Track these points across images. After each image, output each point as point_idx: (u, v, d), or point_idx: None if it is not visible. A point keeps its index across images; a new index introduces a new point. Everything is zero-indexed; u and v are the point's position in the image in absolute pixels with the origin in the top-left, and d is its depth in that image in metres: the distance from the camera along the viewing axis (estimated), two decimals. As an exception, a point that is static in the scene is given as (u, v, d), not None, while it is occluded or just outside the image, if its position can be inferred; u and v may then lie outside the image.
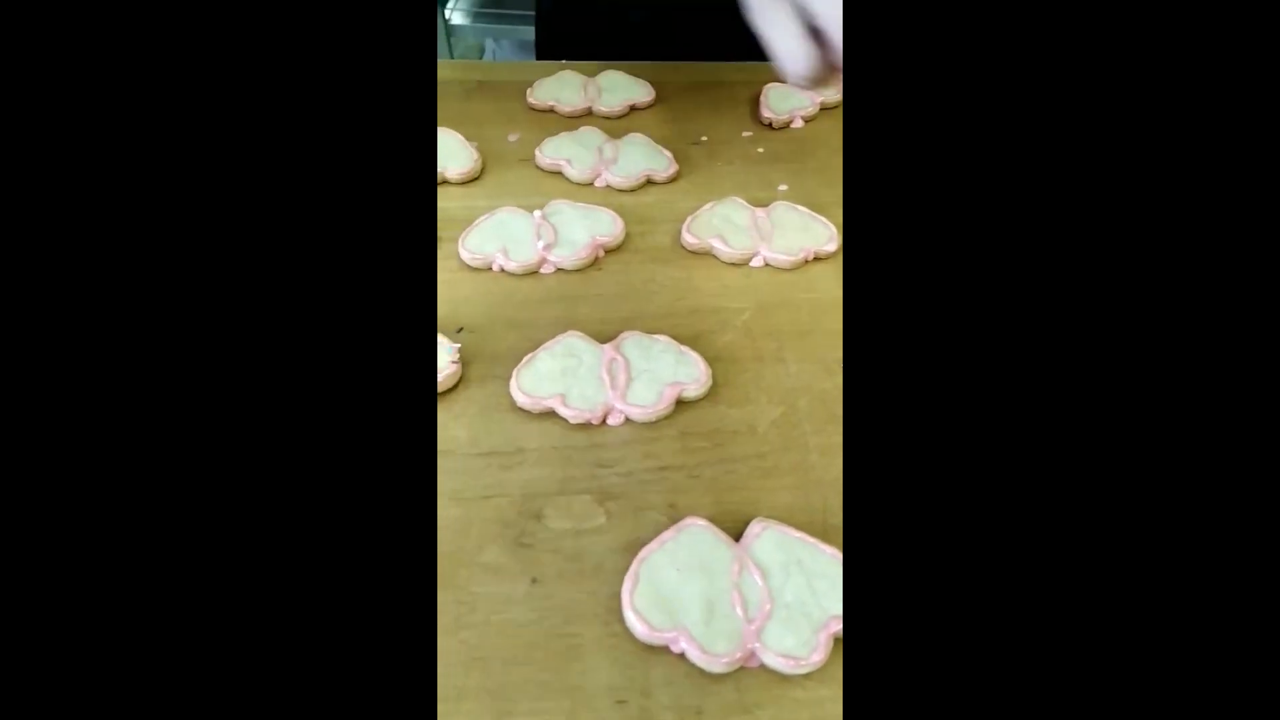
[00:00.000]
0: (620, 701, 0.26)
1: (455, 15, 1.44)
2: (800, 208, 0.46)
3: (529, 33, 1.45)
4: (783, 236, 0.44)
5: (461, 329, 0.39)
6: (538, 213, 0.44)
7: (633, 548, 0.30)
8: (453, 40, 1.47)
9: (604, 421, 0.35)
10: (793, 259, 0.43)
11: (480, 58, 1.59)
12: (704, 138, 0.53)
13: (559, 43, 0.67)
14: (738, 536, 0.30)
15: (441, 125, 0.51)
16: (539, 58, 0.70)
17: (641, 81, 0.57)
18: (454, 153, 0.49)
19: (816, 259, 0.44)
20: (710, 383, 0.36)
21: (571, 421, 0.34)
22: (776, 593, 0.28)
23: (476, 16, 1.47)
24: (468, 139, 0.50)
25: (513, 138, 0.52)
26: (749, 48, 0.60)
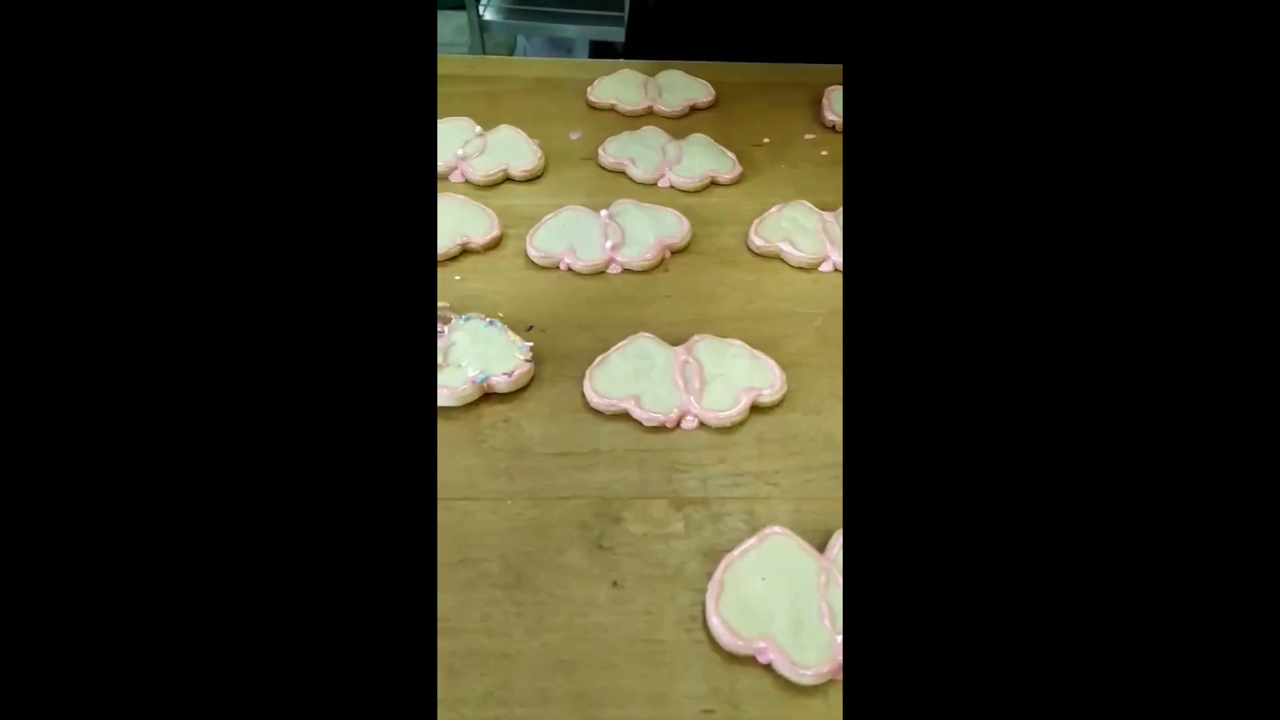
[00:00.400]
0: (707, 711, 0.26)
1: (488, 11, 1.45)
2: (867, 212, 0.45)
3: (559, 30, 1.47)
4: (851, 241, 0.43)
5: (531, 327, 0.39)
6: (604, 212, 0.44)
7: (713, 555, 0.30)
8: (485, 36, 1.48)
9: (678, 425, 0.34)
10: (861, 264, 0.42)
11: (511, 54, 1.60)
12: (766, 139, 0.52)
13: (652, 41, 0.67)
14: (820, 546, 0.30)
15: (504, 122, 0.51)
16: (625, 56, 0.69)
17: (701, 81, 0.56)
18: (518, 150, 0.49)
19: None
20: (785, 389, 0.35)
21: (645, 424, 0.34)
22: (864, 605, 0.27)
23: (509, 13, 1.49)
24: (530, 136, 0.50)
25: (574, 135, 0.52)
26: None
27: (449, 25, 1.99)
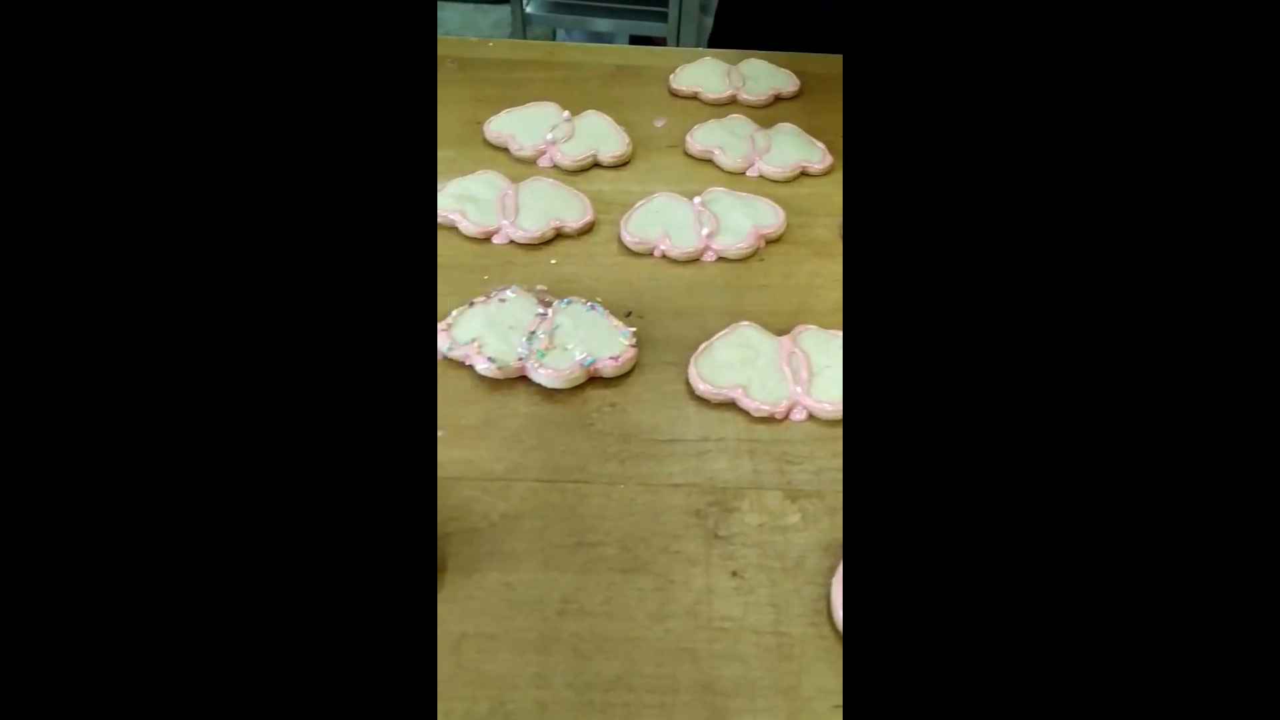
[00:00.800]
0: (837, 706, 0.25)
1: (531, 5, 1.46)
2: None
3: (600, 24, 1.47)
4: (949, 236, 0.42)
5: (630, 313, 0.38)
6: (698, 199, 0.44)
7: (832, 549, 0.29)
8: (527, 29, 1.49)
9: (787, 416, 0.34)
10: (960, 260, 0.41)
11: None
12: (853, 131, 0.51)
13: (740, 30, 0.66)
14: (942, 543, 0.29)
15: (589, 108, 0.50)
16: (711, 45, 0.69)
17: (785, 71, 0.56)
18: (605, 136, 0.48)
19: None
20: (894, 382, 0.35)
21: (754, 414, 0.34)
22: (997, 605, 0.27)
23: (552, 7, 1.50)
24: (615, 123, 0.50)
25: (659, 122, 0.51)
26: None
27: (488, 19, 2.00)
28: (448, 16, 1.89)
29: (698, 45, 1.08)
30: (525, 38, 1.45)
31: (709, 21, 1.51)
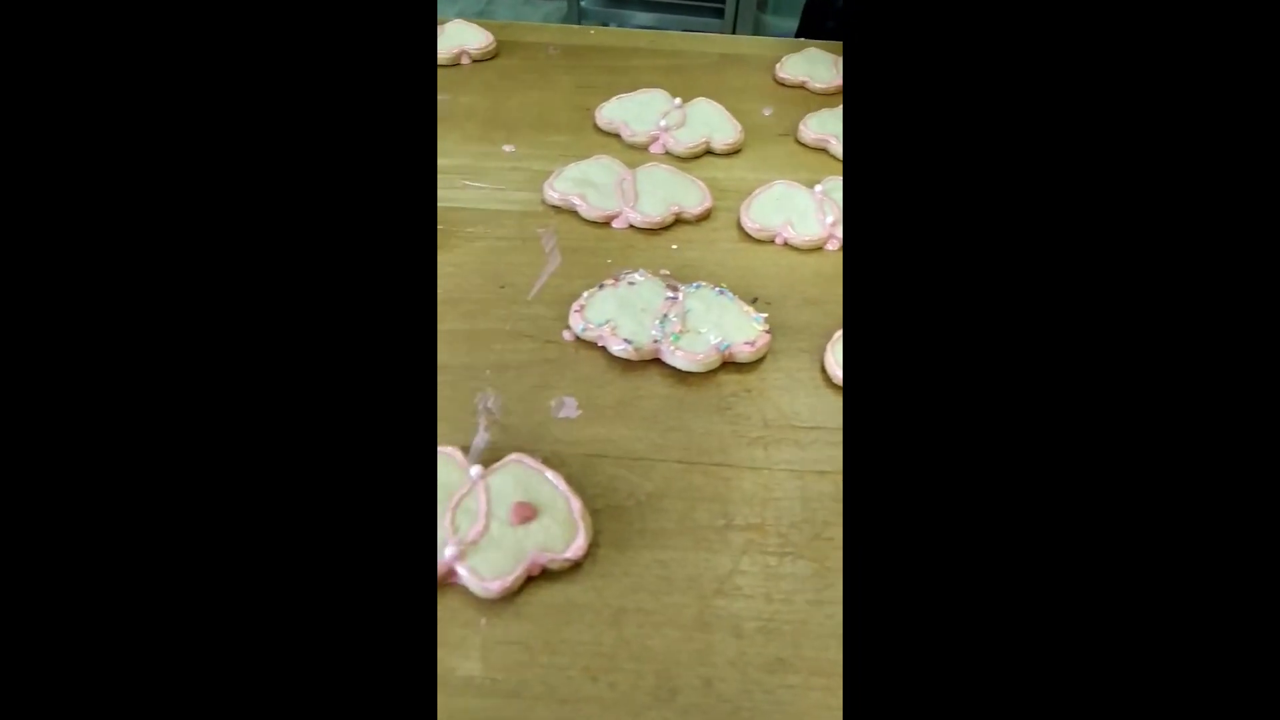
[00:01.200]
0: (1009, 699, 0.25)
1: None
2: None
3: (650, 19, 1.47)
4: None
5: (756, 299, 0.38)
6: (819, 187, 0.43)
7: (988, 539, 0.29)
8: (583, 22, 1.50)
9: (928, 406, 0.33)
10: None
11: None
12: (967, 123, 0.50)
13: (824, 22, 0.66)
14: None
15: (700, 95, 0.50)
16: (799, 34, 0.68)
17: (892, 62, 0.55)
18: (718, 124, 0.48)
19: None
20: (1037, 375, 0.34)
21: (893, 403, 0.33)
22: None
23: (607, 1, 1.50)
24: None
25: (767, 111, 0.51)
26: None
27: (538, 13, 2.01)
28: (497, 9, 1.90)
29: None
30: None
31: (767, 19, 1.50)
